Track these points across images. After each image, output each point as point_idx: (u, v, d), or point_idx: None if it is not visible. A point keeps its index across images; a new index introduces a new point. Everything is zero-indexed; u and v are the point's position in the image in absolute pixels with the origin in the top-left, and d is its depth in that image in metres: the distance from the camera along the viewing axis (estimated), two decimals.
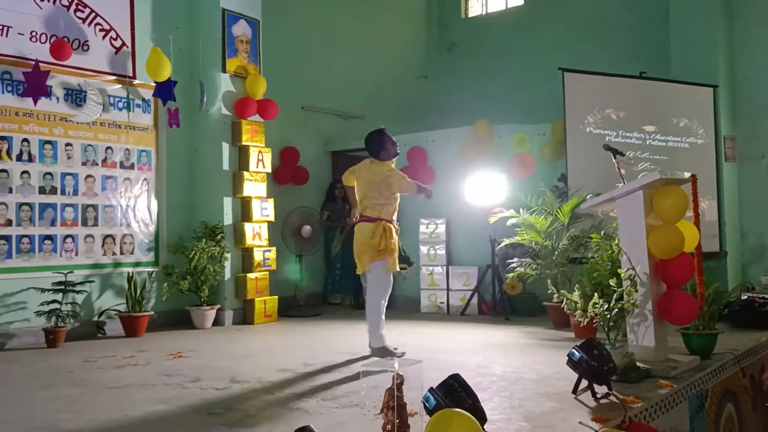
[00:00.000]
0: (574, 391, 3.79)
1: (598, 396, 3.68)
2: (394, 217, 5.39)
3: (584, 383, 3.78)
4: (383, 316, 5.14)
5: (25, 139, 6.10)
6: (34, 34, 6.19)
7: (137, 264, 6.86)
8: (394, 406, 2.46)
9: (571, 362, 3.78)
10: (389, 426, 2.46)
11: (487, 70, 10.29)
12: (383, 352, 5.03)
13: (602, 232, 5.92)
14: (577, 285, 4.61)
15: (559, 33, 9.64)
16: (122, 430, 3.35)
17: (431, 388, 2.93)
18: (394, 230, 5.30)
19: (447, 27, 11.22)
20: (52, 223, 6.26)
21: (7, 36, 6.01)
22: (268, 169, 7.58)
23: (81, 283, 6.21)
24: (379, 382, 3.21)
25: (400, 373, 2.50)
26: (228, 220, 7.24)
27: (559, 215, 6.55)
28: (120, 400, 3.95)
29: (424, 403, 2.87)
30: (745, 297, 6.50)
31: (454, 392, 2.93)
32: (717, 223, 7.84)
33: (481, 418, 2.84)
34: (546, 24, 9.83)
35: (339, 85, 9.47)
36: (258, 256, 7.34)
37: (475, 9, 11.25)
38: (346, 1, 9.86)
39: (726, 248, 7.92)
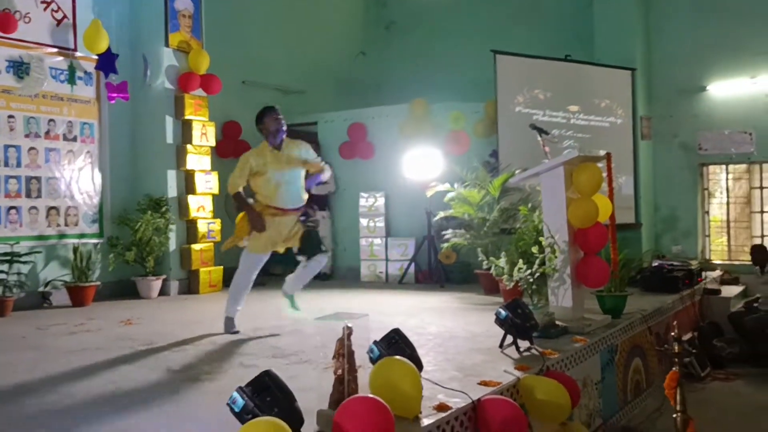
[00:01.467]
0: (501, 345, 4.24)
1: (522, 350, 4.14)
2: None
3: (509, 339, 4.24)
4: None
5: None
6: None
7: (82, 236, 6.96)
8: (344, 353, 2.81)
9: (498, 320, 4.22)
10: (340, 370, 2.81)
11: (425, 48, 10.64)
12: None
13: (529, 205, 6.36)
14: (503, 252, 5.07)
15: (493, 15, 10.05)
16: (87, 386, 3.59)
17: (375, 340, 3.31)
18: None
19: (386, 5, 11.48)
20: None
21: None
22: (212, 143, 7.76)
23: (26, 254, 6.30)
24: (326, 341, 3.57)
25: (349, 325, 2.84)
26: (172, 192, 7.40)
27: (490, 189, 7.00)
28: (79, 362, 4.17)
29: (369, 354, 3.25)
30: (656, 264, 7.15)
31: (395, 344, 3.32)
32: (633, 196, 8.49)
33: (419, 366, 3.24)
34: (481, 5, 10.22)
35: (280, 61, 9.63)
36: (202, 227, 7.55)
37: None
38: None
39: (641, 220, 8.59)
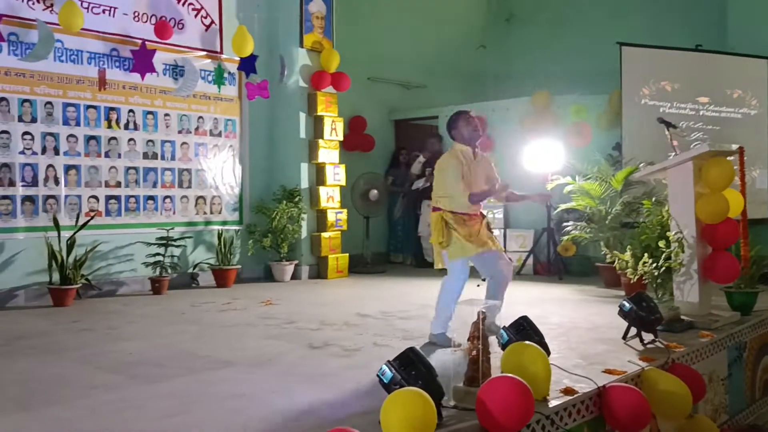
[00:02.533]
0: (624, 337, 4.35)
1: (645, 342, 4.23)
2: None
3: (633, 331, 4.33)
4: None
5: (131, 110, 6.86)
6: (136, 14, 6.89)
7: (224, 223, 7.63)
8: (479, 335, 3.07)
9: (622, 312, 4.33)
10: (474, 351, 3.08)
11: (545, 40, 10.61)
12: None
13: (653, 199, 6.35)
14: (628, 246, 5.13)
15: (616, 3, 9.88)
16: (244, 358, 4.07)
17: (504, 326, 3.55)
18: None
19: None
20: (154, 185, 7.05)
21: (113, 16, 6.72)
22: (340, 137, 8.22)
23: (179, 239, 7.00)
24: (456, 324, 3.84)
25: (483, 310, 3.10)
26: (304, 183, 7.93)
27: (612, 182, 6.99)
28: (234, 335, 4.71)
29: (499, 340, 3.50)
30: None
31: (524, 330, 3.55)
32: (767, 191, 8.14)
33: (546, 351, 3.45)
34: None
35: (403, 57, 9.96)
36: (331, 217, 8.04)
37: None
38: None
39: None
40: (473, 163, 4.51)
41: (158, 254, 6.75)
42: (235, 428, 2.76)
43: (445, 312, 4.35)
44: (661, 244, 4.78)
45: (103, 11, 6.61)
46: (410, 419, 2.45)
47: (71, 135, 6.43)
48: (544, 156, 7.81)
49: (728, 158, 5.03)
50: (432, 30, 10.54)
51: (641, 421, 3.30)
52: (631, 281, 5.16)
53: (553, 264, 8.05)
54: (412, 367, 2.78)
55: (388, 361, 2.82)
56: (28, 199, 6.15)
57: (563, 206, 7.43)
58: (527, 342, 3.25)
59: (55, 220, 6.12)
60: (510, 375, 2.80)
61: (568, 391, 3.23)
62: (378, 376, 2.83)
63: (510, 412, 2.62)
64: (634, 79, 7.59)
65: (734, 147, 5.13)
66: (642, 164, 6.61)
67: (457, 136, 4.54)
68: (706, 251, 4.98)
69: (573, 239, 7.34)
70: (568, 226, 7.35)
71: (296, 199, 7.72)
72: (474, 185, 4.45)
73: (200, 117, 7.41)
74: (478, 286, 4.50)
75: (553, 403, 3.07)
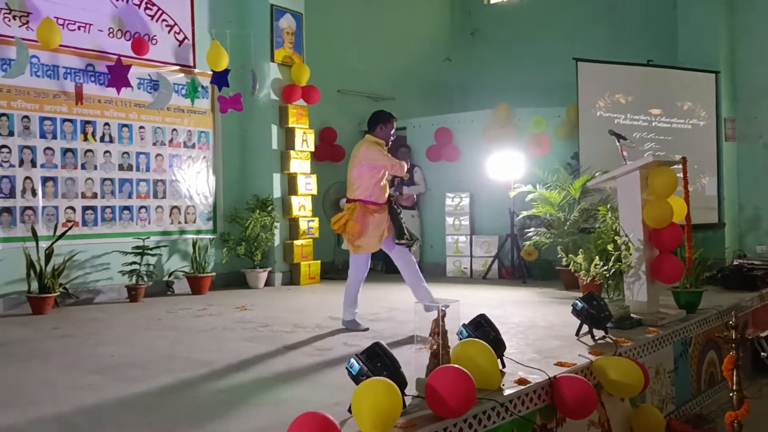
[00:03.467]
0: (577, 333, 4.69)
1: (596, 338, 4.58)
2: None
3: (585, 328, 4.67)
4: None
5: (106, 123, 7.06)
6: (111, 30, 7.10)
7: (199, 232, 7.84)
8: (440, 331, 3.36)
9: (575, 311, 4.67)
10: (435, 346, 3.37)
11: (507, 54, 11.05)
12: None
13: (608, 205, 6.72)
14: (581, 250, 5.49)
15: (574, 20, 10.36)
16: (222, 359, 4.31)
17: (464, 323, 3.86)
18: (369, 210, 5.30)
19: (470, 13, 11.95)
20: (129, 196, 7.24)
21: (89, 32, 6.92)
22: (311, 148, 8.49)
23: (154, 248, 7.19)
24: (421, 324, 4.14)
25: (443, 307, 3.39)
26: (277, 193, 8.18)
27: (571, 190, 7.38)
28: (211, 339, 4.94)
29: (458, 336, 3.80)
30: (736, 263, 7.33)
31: (482, 327, 3.85)
32: (717, 197, 8.63)
33: (502, 346, 3.76)
34: (561, 11, 10.54)
35: (371, 69, 10.29)
36: (303, 225, 8.30)
37: None
38: None
39: (724, 220, 8.71)
40: None
41: (134, 263, 6.93)
42: (217, 421, 3.01)
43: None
44: (610, 247, 5.14)
45: (79, 27, 6.81)
46: (379, 406, 2.72)
47: (48, 148, 6.61)
48: (506, 165, 8.21)
49: (672, 168, 5.42)
50: (400, 44, 10.90)
51: (588, 407, 3.62)
52: (585, 282, 5.51)
53: (517, 268, 8.41)
54: (377, 359, 3.06)
55: (356, 355, 3.10)
56: (6, 210, 6.31)
57: (525, 213, 7.79)
58: (474, 339, 3.56)
59: (33, 231, 6.29)
60: (453, 365, 3.10)
61: (521, 381, 3.54)
62: (347, 369, 3.11)
63: (453, 398, 2.90)
64: (589, 92, 8.01)
65: (678, 157, 5.52)
66: (598, 173, 7.00)
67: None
68: (653, 254, 5.36)
69: (535, 244, 7.70)
70: (529, 232, 7.71)
71: (269, 208, 7.97)
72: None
73: (174, 129, 7.63)
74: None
75: (507, 392, 3.37)
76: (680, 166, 5.75)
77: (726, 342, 3.59)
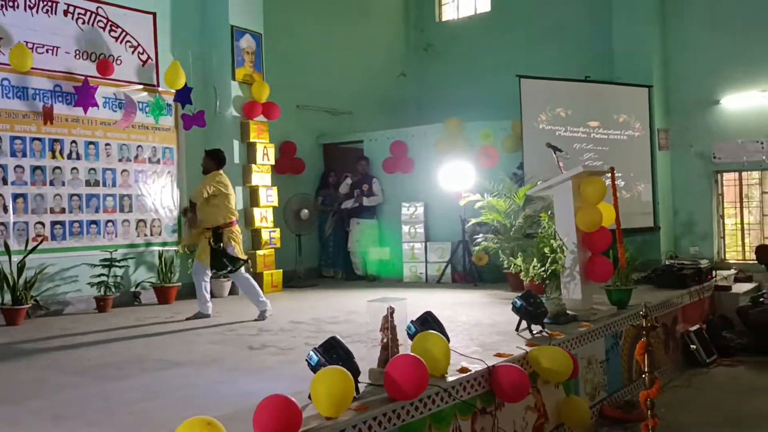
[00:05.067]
0: (517, 329, 5.18)
1: (534, 332, 5.08)
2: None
3: (524, 324, 5.17)
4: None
5: (73, 141, 7.35)
6: (77, 52, 7.41)
7: (164, 244, 8.15)
8: (388, 326, 3.81)
9: (514, 308, 5.16)
10: (385, 339, 3.82)
11: (458, 69, 11.62)
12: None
13: (549, 212, 7.26)
14: (520, 253, 6.01)
15: (520, 37, 10.98)
16: (192, 359, 4.69)
17: (411, 320, 4.31)
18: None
19: (423, 30, 12.51)
20: (96, 210, 7.54)
21: (56, 55, 7.23)
22: (272, 162, 8.89)
23: (122, 260, 7.50)
24: (373, 321, 4.58)
25: (392, 305, 3.84)
26: (240, 205, 8.53)
27: (515, 198, 7.91)
28: (181, 342, 5.31)
29: (407, 331, 4.24)
30: (668, 263, 7.96)
31: (428, 323, 4.31)
32: (651, 202, 9.27)
33: (447, 339, 4.22)
34: (509, 29, 11.15)
35: (329, 85, 10.72)
36: (265, 235, 8.68)
37: (447, 14, 12.55)
38: (334, 10, 11.08)
39: (659, 224, 9.37)
40: None
41: (102, 275, 7.23)
42: (191, 410, 3.39)
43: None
44: (547, 250, 5.67)
45: (47, 51, 7.12)
46: (333, 390, 3.15)
47: (18, 166, 6.88)
48: (457, 176, 8.72)
49: (602, 177, 5.98)
50: (356, 60, 11.37)
51: (522, 392, 4.11)
52: (525, 283, 6.02)
53: (469, 272, 8.92)
54: (333, 351, 3.49)
55: (314, 348, 3.53)
56: None
57: (474, 220, 8.31)
58: (431, 331, 4.02)
59: (6, 245, 6.56)
60: (409, 353, 3.56)
61: (463, 370, 4.01)
62: (306, 361, 3.53)
63: (408, 381, 3.36)
64: (532, 106, 8.57)
65: (606, 168, 6.08)
66: (540, 182, 7.54)
67: None
68: (586, 255, 5.89)
69: (484, 249, 8.21)
70: (479, 238, 8.22)
71: None
72: None
73: (139, 146, 7.95)
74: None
75: (449, 379, 3.84)
76: (609, 176, 6.31)
77: (638, 329, 4.10)
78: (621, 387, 5.83)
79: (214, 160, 6.83)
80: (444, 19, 12.55)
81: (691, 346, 7.09)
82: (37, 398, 3.71)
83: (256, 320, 6.34)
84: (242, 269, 6.66)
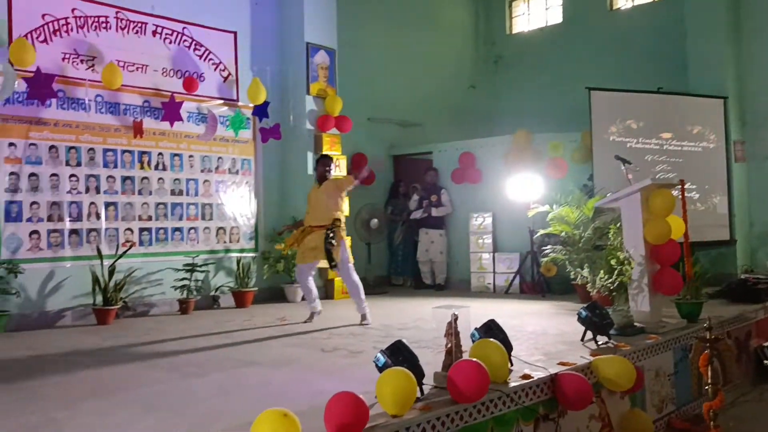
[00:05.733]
0: (582, 339, 5.24)
1: (599, 343, 5.12)
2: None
3: (589, 335, 5.22)
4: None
5: (160, 153, 7.86)
6: (164, 70, 7.93)
7: (242, 250, 8.57)
8: (453, 332, 3.97)
9: (580, 318, 5.22)
10: (449, 345, 3.98)
11: (528, 81, 11.68)
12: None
13: (619, 224, 7.24)
14: (585, 264, 6.04)
15: (589, 48, 10.95)
16: (268, 360, 4.97)
17: (476, 327, 4.46)
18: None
19: (494, 43, 12.62)
20: (180, 218, 8.02)
21: (145, 73, 7.76)
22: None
23: (203, 265, 7.94)
24: (440, 327, 4.75)
25: (456, 312, 4.00)
26: None
27: (584, 210, 7.91)
28: (258, 344, 5.61)
29: (471, 338, 4.39)
30: (742, 277, 7.78)
31: (491, 330, 4.45)
32: (727, 215, 9.06)
33: (509, 347, 4.34)
34: (580, 41, 11.14)
35: (400, 98, 11.00)
36: None
37: (519, 26, 12.61)
38: (405, 25, 11.36)
39: (735, 236, 9.14)
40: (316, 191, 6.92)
41: (185, 279, 7.67)
42: (267, 405, 3.65)
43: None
44: (613, 262, 5.69)
45: (137, 69, 7.65)
46: (397, 389, 3.33)
47: (110, 176, 7.42)
48: (525, 187, 8.79)
49: (671, 190, 5.95)
50: (427, 72, 11.60)
51: (584, 400, 4.18)
52: (591, 294, 6.05)
53: (537, 283, 8.95)
54: (399, 353, 3.69)
55: (381, 350, 3.73)
56: (74, 232, 7.11)
57: (543, 231, 8.34)
58: (489, 339, 4.15)
59: (98, 250, 7.08)
60: (472, 359, 3.71)
61: (525, 376, 4.12)
62: (374, 362, 3.74)
63: (470, 385, 3.51)
64: (602, 118, 8.55)
65: (676, 181, 6.04)
66: (609, 194, 7.52)
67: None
68: (654, 268, 5.88)
69: (552, 260, 8.23)
70: (547, 249, 8.24)
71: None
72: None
73: (220, 157, 8.41)
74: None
75: (512, 384, 3.96)
76: (679, 188, 6.27)
77: (702, 341, 4.12)
78: (691, 400, 5.76)
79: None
80: (514, 31, 12.61)
81: (765, 361, 6.91)
82: (126, 391, 4.06)
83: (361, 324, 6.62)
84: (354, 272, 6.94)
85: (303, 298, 7.43)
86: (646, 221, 5.82)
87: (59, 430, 3.35)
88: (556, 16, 11.92)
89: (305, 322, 6.73)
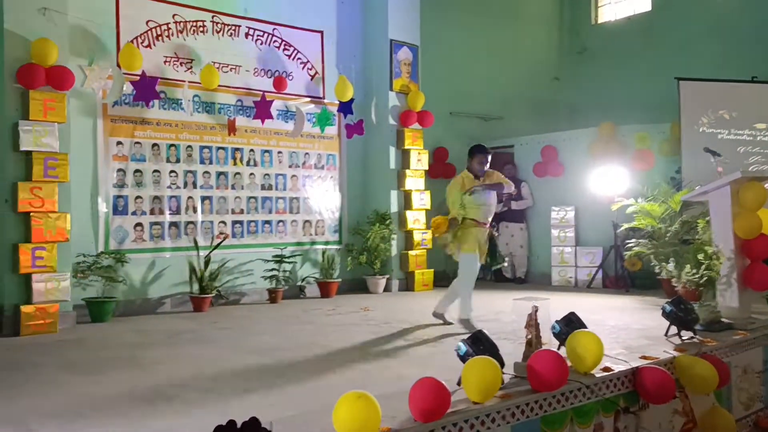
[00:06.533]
0: (666, 334, 5.20)
1: (684, 338, 5.07)
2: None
3: (674, 330, 5.17)
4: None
5: (251, 150, 8.25)
6: (256, 70, 8.31)
7: (327, 243, 8.89)
8: (533, 324, 4.07)
9: (664, 313, 5.17)
10: (529, 335, 4.08)
11: (614, 71, 11.41)
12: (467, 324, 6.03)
13: (707, 218, 7.07)
14: (671, 258, 5.95)
15: (679, 37, 10.57)
16: (356, 346, 5.22)
17: (556, 320, 4.53)
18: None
19: (579, 33, 12.41)
20: (270, 212, 8.40)
21: (238, 73, 8.16)
22: (425, 167, 9.36)
23: (290, 257, 8.30)
24: (520, 319, 4.84)
25: (536, 304, 4.10)
26: (394, 208, 9.10)
27: (671, 203, 7.75)
28: (345, 332, 5.88)
29: (552, 330, 4.47)
30: None
31: (572, 323, 4.51)
32: None
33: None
34: (668, 29, 10.77)
35: (481, 91, 11.02)
36: (417, 237, 9.16)
37: (605, 16, 12.35)
38: (487, 17, 11.35)
39: None
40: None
41: (274, 269, 8.05)
42: (353, 387, 3.87)
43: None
44: (701, 256, 5.59)
45: (231, 69, 8.06)
46: (483, 377, 3.46)
47: (206, 172, 7.87)
48: (609, 180, 8.67)
49: (763, 183, 5.77)
50: (508, 65, 11.56)
51: (666, 395, 4.18)
52: (676, 288, 5.96)
53: (621, 278, 8.82)
54: (480, 343, 3.82)
55: (463, 339, 3.87)
56: (174, 225, 7.60)
57: (627, 225, 8.22)
58: (585, 330, 4.21)
59: (195, 242, 7.55)
60: (550, 349, 3.80)
61: (606, 369, 4.17)
62: (455, 351, 3.88)
63: (549, 375, 3.61)
64: (692, 109, 8.32)
65: None
66: (698, 187, 7.34)
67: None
68: (744, 263, 5.73)
69: (637, 255, 8.10)
70: (631, 243, 8.12)
71: (387, 222, 8.89)
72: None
73: (307, 153, 8.75)
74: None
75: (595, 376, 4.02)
76: None
77: None
78: None
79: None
80: (600, 21, 12.36)
81: None
82: (223, 373, 4.39)
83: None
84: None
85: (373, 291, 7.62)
86: (736, 215, 5.69)
87: (169, 402, 3.70)
88: (644, 4, 11.60)
89: (447, 323, 6.24)
